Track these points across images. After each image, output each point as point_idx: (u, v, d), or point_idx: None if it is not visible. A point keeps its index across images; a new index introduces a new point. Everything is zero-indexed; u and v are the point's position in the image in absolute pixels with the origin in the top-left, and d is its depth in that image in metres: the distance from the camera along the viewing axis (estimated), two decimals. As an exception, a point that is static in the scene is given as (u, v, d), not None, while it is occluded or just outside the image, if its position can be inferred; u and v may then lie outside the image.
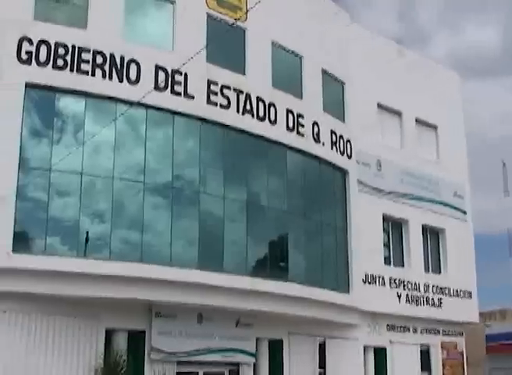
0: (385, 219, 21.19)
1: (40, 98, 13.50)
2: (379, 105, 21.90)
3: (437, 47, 76.43)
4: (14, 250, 12.23)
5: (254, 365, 16.35)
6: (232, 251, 15.56)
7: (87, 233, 13.26)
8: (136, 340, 14.31)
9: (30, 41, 13.24)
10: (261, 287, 15.35)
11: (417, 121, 23.17)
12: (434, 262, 22.80)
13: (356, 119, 20.24)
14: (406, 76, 22.61)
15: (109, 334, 13.93)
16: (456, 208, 23.51)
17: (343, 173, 19.42)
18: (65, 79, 13.52)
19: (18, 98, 12.98)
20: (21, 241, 12.50)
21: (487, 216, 61.27)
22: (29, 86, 13.15)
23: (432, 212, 22.59)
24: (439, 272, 22.72)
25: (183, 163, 15.12)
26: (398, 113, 22.67)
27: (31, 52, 13.22)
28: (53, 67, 13.43)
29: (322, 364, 18.09)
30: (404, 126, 22.74)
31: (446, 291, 22.31)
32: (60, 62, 13.52)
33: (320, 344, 18.17)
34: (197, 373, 15.41)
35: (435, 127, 23.95)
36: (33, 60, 13.26)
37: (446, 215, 23.09)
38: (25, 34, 13.19)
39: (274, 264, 16.63)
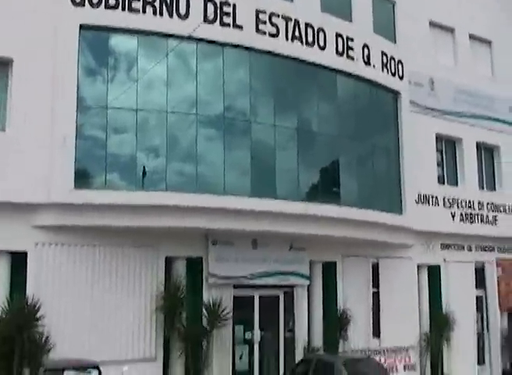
0: (439, 138, 21.03)
1: (94, 38, 13.86)
2: (431, 23, 21.30)
3: None
4: (76, 186, 12.97)
5: (308, 287, 17.03)
6: (284, 178, 15.87)
7: (144, 167, 13.83)
8: (195, 266, 15.11)
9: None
10: (314, 210, 15.67)
11: (471, 37, 22.44)
12: (488, 179, 22.65)
13: (407, 39, 19.75)
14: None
15: (169, 262, 14.78)
16: (511, 123, 23.05)
17: (395, 94, 19.19)
18: (117, 18, 13.81)
19: (73, 39, 13.41)
20: (82, 178, 13.22)
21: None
22: (83, 27, 13.54)
23: (487, 129, 22.22)
24: (494, 189, 22.59)
25: (234, 94, 15.29)
26: (451, 30, 21.99)
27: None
28: (105, 7, 13.73)
29: (376, 284, 18.66)
30: (457, 43, 22.09)
31: (501, 208, 22.25)
32: (112, 2, 13.78)
33: (373, 265, 18.67)
34: (253, 296, 16.23)
35: (489, 42, 23.18)
36: (86, 2, 13.62)
37: (501, 131, 22.70)
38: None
39: (326, 189, 16.90)
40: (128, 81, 13.87)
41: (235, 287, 15.56)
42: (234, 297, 15.50)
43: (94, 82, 13.86)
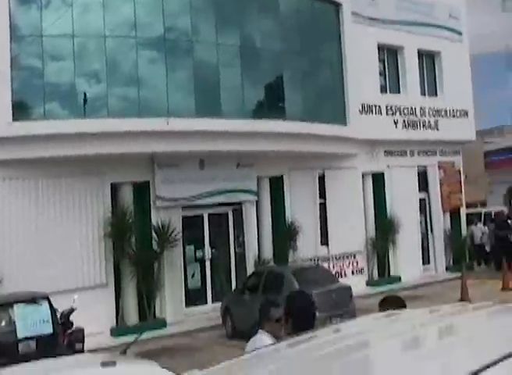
0: (381, 48, 21.16)
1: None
2: None
3: None
4: (14, 119, 12.80)
5: (257, 202, 17.51)
6: (229, 96, 15.92)
7: (85, 94, 13.66)
8: (142, 191, 15.34)
9: None
10: (260, 127, 15.86)
11: None
12: (430, 85, 23.06)
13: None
14: None
15: (115, 188, 14.94)
16: (451, 29, 23.23)
17: (337, 6, 19.04)
18: None
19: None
20: (21, 110, 13.05)
21: (484, 35, 59.77)
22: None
23: (428, 36, 22.37)
24: (435, 95, 23.06)
25: (174, 14, 15.01)
26: None
27: None
28: None
29: (322, 195, 19.26)
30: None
31: (443, 113, 22.79)
32: None
33: (320, 177, 19.20)
34: (202, 215, 16.64)
35: None
36: None
37: (442, 37, 22.87)
38: None
39: (272, 105, 17.06)
40: (63, 6, 13.41)
41: (183, 208, 15.89)
42: (183, 217, 15.86)
43: (27, 10, 13.38)
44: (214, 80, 15.59)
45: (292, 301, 4.52)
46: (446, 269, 22.14)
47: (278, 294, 12.47)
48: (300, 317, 4.24)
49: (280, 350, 2.92)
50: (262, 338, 4.92)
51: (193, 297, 16.41)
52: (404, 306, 4.73)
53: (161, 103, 14.59)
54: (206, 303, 16.63)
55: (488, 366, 1.97)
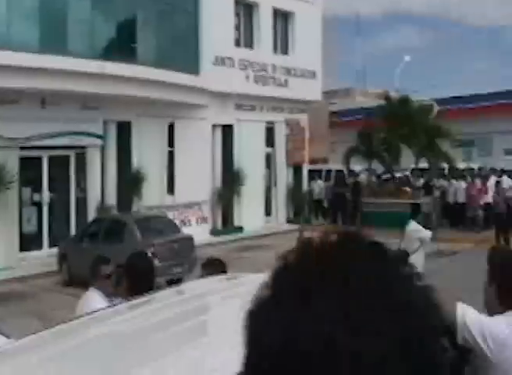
0: (237, 2, 21.13)
1: None
2: None
3: None
4: None
5: (102, 147, 16.98)
6: (77, 33, 15.16)
7: None
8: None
9: None
10: (110, 69, 15.26)
11: None
12: (282, 44, 23.55)
13: None
14: None
15: None
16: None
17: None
18: None
19: None
20: None
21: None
22: None
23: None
24: (287, 53, 23.56)
25: None
26: None
27: None
28: None
29: (171, 144, 19.11)
30: None
31: (292, 72, 23.39)
32: None
33: (169, 125, 18.99)
34: (41, 157, 15.83)
35: None
36: None
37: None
38: None
39: (123, 47, 16.50)
40: None
41: (22, 148, 15.01)
42: (20, 158, 15.00)
43: None
44: (61, 11, 14.70)
45: (131, 262, 4.41)
46: (287, 221, 23.06)
47: (119, 243, 12.31)
48: (138, 280, 4.13)
49: (115, 314, 2.83)
50: (94, 296, 4.82)
51: (28, 241, 15.66)
52: (225, 271, 4.83)
53: (1, 34, 13.53)
54: (41, 248, 15.96)
55: None
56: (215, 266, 4.87)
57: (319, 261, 0.80)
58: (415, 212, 10.35)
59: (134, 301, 2.97)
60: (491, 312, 3.01)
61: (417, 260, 9.41)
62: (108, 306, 3.47)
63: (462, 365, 2.94)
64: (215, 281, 3.57)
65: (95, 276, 5.06)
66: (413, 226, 9.66)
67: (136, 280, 4.15)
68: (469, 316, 2.80)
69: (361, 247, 0.83)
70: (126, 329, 2.50)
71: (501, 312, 2.94)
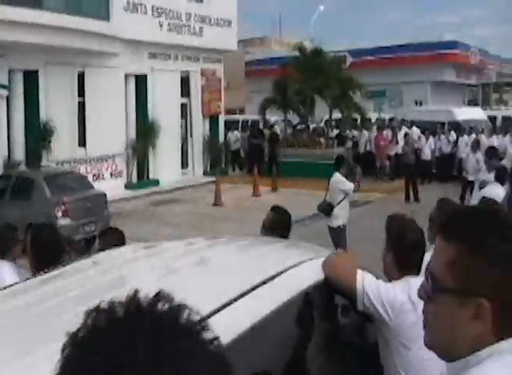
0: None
1: None
2: None
3: None
4: None
5: (8, 98, 16.09)
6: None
7: None
8: None
9: None
10: (13, 15, 14.39)
11: None
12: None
13: None
14: None
15: None
16: None
17: None
18: None
19: None
20: None
21: None
22: None
23: None
24: (201, 1, 22.91)
25: None
26: None
27: None
28: None
29: (82, 94, 18.36)
30: None
31: (207, 20, 22.87)
32: None
33: (80, 74, 18.20)
34: None
35: None
36: None
37: None
38: None
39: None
40: None
41: None
42: None
43: None
44: None
45: (36, 234, 4.17)
46: (204, 173, 22.93)
47: (27, 202, 11.81)
48: (44, 252, 3.89)
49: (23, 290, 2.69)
50: (4, 267, 4.57)
51: None
52: (124, 241, 4.71)
53: None
54: None
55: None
56: (112, 236, 4.75)
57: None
58: (339, 163, 10.19)
59: (36, 279, 2.88)
60: (389, 278, 3.12)
61: (342, 212, 9.60)
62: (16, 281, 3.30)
63: (364, 324, 3.16)
64: (127, 251, 3.46)
65: (2, 246, 4.82)
66: (337, 178, 9.62)
67: (42, 251, 3.95)
68: (368, 283, 2.89)
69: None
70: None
71: (399, 278, 3.05)
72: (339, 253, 3.28)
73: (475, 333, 1.39)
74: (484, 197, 6.68)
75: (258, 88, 27.72)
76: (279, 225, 4.68)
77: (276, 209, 4.92)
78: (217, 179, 17.65)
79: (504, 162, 14.07)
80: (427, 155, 22.06)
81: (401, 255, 3.12)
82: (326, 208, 9.60)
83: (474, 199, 8.89)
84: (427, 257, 2.71)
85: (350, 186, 9.62)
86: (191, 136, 23.01)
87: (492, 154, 10.22)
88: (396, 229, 3.22)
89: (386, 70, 30.73)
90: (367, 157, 22.27)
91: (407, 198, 18.16)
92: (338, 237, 9.52)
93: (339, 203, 9.47)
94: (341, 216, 9.58)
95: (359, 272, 2.92)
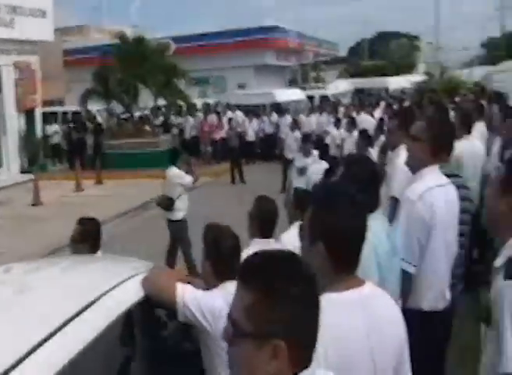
0: None
1: None
2: None
3: None
4: None
5: None
6: None
7: None
8: None
9: None
10: None
11: None
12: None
13: None
14: None
15: None
16: None
17: None
18: None
19: None
20: None
21: None
22: None
23: None
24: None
25: None
26: None
27: None
28: None
29: None
30: None
31: (19, 11, 21.74)
32: None
33: None
34: None
35: None
36: None
37: None
38: None
39: None
40: None
41: None
42: None
43: None
44: None
45: None
46: (21, 171, 21.74)
47: None
48: None
49: None
50: None
51: None
52: None
53: None
54: None
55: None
56: None
57: None
58: (175, 156, 9.78)
59: None
60: (209, 286, 3.23)
61: (182, 204, 9.26)
62: None
63: (188, 332, 3.29)
64: None
65: None
66: (173, 171, 9.24)
67: None
68: (188, 296, 2.99)
69: None
70: None
71: (217, 285, 3.17)
72: (156, 268, 3.30)
73: (273, 372, 1.51)
74: (296, 187, 6.68)
75: (79, 78, 26.86)
76: (89, 236, 4.74)
77: (83, 221, 4.90)
78: (35, 176, 16.86)
79: (327, 140, 14.88)
80: (251, 136, 22.79)
81: (218, 263, 3.22)
82: (166, 203, 9.19)
83: (294, 183, 9.14)
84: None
85: (188, 179, 9.28)
86: (5, 133, 21.70)
87: (307, 139, 10.49)
88: (211, 237, 3.32)
89: (210, 56, 31.16)
90: (193, 142, 22.54)
91: (233, 180, 18.61)
92: (180, 230, 9.25)
93: (178, 197, 9.18)
94: (182, 208, 9.27)
95: (179, 285, 2.99)
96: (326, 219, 2.15)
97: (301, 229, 2.44)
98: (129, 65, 22.62)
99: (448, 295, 3.78)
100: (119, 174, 19.50)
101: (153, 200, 11.14)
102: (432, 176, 3.70)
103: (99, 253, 4.79)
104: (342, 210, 2.17)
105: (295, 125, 16.93)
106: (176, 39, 31.92)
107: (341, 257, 2.16)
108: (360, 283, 2.20)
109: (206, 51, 31.45)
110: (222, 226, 3.44)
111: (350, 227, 2.16)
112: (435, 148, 3.71)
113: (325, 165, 8.19)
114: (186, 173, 9.27)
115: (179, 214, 9.22)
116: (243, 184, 18.04)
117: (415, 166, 3.81)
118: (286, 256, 1.64)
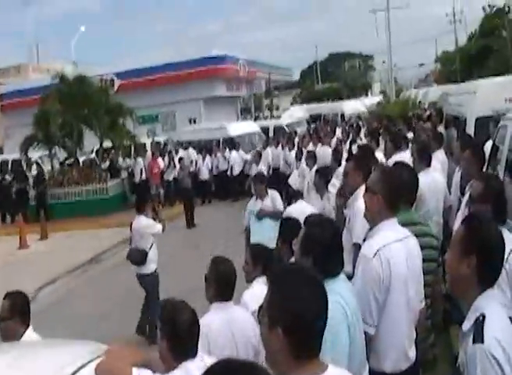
0: None
1: None
2: None
3: None
4: None
5: None
6: None
7: None
8: None
9: None
10: None
11: None
12: None
13: None
14: None
15: None
16: None
17: None
18: None
19: None
20: None
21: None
22: None
23: None
24: None
25: None
26: None
27: None
28: None
29: None
30: None
31: None
32: None
33: None
34: None
35: None
36: None
37: None
38: None
39: None
40: None
41: None
42: None
43: None
44: None
45: None
46: None
47: None
48: None
49: None
50: None
51: None
52: None
53: None
54: None
55: None
56: None
57: None
58: (140, 205, 8.91)
59: None
60: (167, 367, 3.07)
61: (154, 256, 8.70)
62: None
63: None
64: None
65: None
66: (142, 222, 8.60)
67: None
68: None
69: None
70: None
71: (176, 367, 3.06)
72: (110, 353, 2.95)
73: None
74: (252, 245, 6.08)
75: (18, 123, 25.37)
76: (18, 312, 4.41)
77: (10, 295, 4.53)
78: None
79: (295, 174, 13.70)
80: (204, 174, 21.80)
81: (175, 341, 3.12)
82: (139, 257, 8.55)
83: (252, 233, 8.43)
84: None
85: (158, 228, 8.71)
86: None
87: (261, 179, 9.41)
88: (166, 315, 3.21)
89: (157, 91, 30.00)
90: (144, 186, 21.23)
91: (188, 224, 17.56)
92: (152, 283, 8.66)
93: (150, 247, 8.61)
94: (153, 259, 8.71)
95: (134, 371, 2.79)
96: (283, 304, 2.09)
97: (259, 312, 2.37)
98: (71, 106, 21.42)
99: (412, 354, 3.62)
100: (66, 225, 18.55)
101: (104, 252, 10.42)
102: (390, 231, 3.58)
103: (30, 328, 4.44)
104: (299, 294, 2.10)
105: (258, 157, 16.91)
106: (120, 74, 30.77)
107: (301, 343, 2.09)
108: (322, 368, 2.15)
109: (152, 86, 30.20)
110: (177, 303, 3.30)
111: (310, 311, 2.09)
112: (392, 201, 3.64)
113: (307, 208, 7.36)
114: (154, 219, 8.77)
115: (151, 266, 8.69)
116: (197, 227, 17.19)
117: (372, 219, 3.72)
118: (247, 370, 1.67)
